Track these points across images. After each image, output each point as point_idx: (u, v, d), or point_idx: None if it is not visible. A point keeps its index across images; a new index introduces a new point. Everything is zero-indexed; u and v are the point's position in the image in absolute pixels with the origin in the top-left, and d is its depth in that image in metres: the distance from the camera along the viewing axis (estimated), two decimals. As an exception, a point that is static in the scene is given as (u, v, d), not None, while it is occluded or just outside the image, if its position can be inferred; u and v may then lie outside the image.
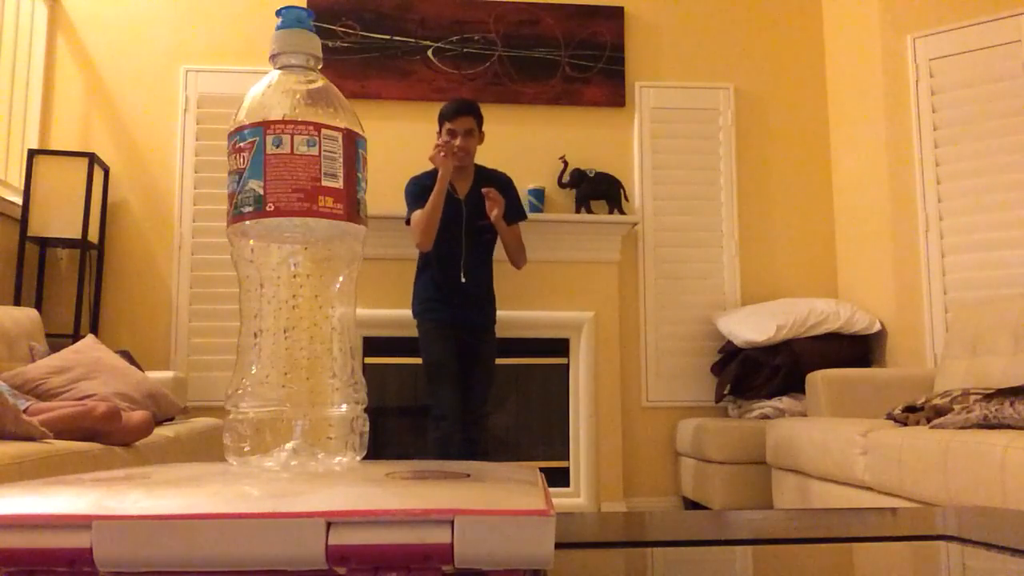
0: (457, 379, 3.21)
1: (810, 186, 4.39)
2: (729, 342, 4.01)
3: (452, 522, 0.39)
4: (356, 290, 0.64)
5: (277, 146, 0.58)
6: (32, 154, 3.72)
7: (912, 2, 3.84)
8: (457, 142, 3.24)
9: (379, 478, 0.48)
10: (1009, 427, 2.15)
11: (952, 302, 3.58)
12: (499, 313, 3.44)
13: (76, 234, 3.71)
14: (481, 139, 3.36)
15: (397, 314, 3.68)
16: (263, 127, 0.59)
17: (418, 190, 3.26)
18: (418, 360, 3.33)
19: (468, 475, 0.49)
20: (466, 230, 3.25)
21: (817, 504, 2.82)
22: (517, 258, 3.40)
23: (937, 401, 2.57)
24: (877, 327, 3.90)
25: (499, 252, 3.40)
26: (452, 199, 3.23)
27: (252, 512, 0.39)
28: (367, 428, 0.62)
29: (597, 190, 4.12)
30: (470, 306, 3.30)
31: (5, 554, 0.39)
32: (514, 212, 3.34)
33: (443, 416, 3.13)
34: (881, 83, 3.92)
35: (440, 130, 3.30)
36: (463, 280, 3.24)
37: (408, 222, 3.30)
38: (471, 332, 3.28)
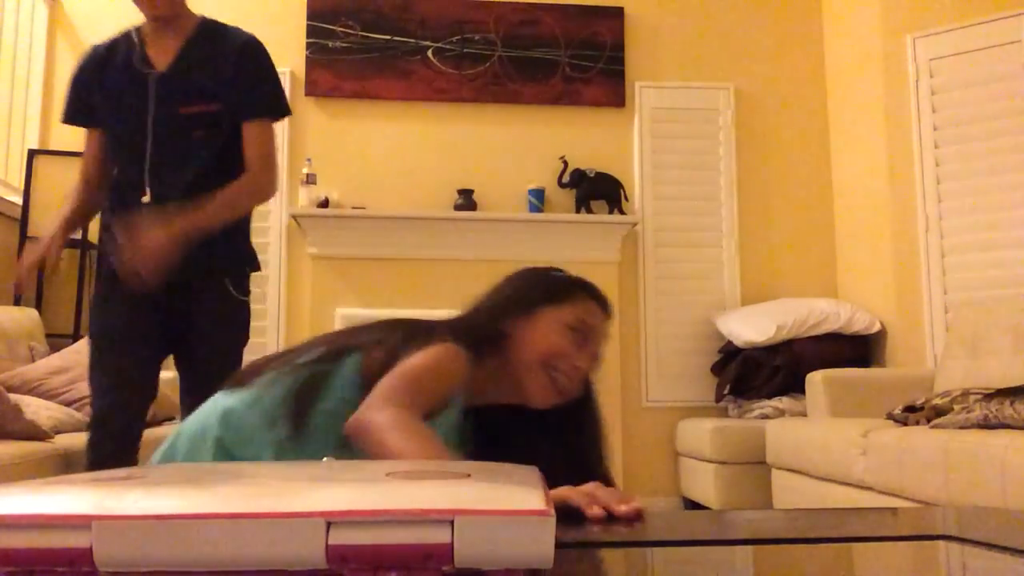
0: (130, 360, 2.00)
1: (810, 186, 4.39)
2: (729, 342, 4.01)
3: (452, 522, 0.39)
4: None
5: None
6: (32, 154, 3.72)
7: (912, 2, 3.84)
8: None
9: (379, 478, 0.48)
10: (1009, 427, 2.15)
11: (952, 302, 3.58)
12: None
13: (76, 234, 3.70)
14: None
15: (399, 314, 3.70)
16: None
17: (81, 78, 2.08)
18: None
19: (468, 475, 0.49)
20: (155, 120, 1.97)
21: (817, 504, 2.81)
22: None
23: (937, 401, 2.57)
24: (877, 327, 3.90)
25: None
26: (138, 75, 2.00)
27: (252, 512, 0.39)
28: None
29: (597, 190, 4.12)
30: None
31: (5, 554, 0.39)
32: (254, 102, 2.03)
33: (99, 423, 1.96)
34: (881, 83, 3.91)
35: None
36: (146, 200, 1.95)
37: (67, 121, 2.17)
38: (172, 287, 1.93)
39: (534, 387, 1.24)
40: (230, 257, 2.04)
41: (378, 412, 1.03)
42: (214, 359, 1.96)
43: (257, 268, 2.10)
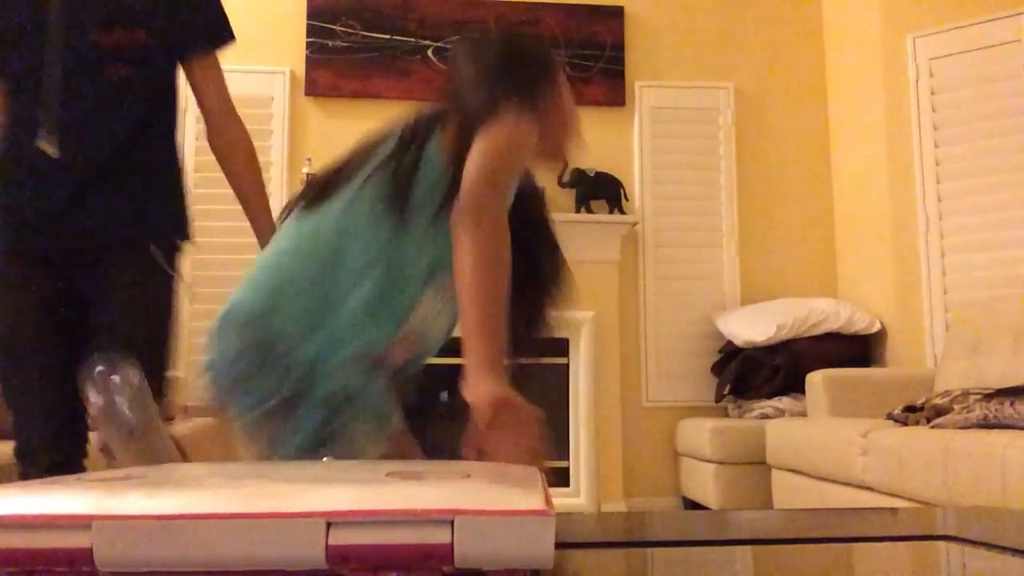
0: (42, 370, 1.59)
1: (810, 186, 4.38)
2: (729, 342, 4.01)
3: (452, 522, 0.39)
4: None
5: None
6: (32, 154, 3.71)
7: (912, 2, 3.84)
8: None
9: (379, 478, 0.48)
10: (1009, 427, 2.15)
11: (952, 302, 3.58)
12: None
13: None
14: None
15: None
16: None
17: None
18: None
19: (468, 475, 0.49)
20: (60, 53, 1.56)
21: (817, 504, 2.82)
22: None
23: (937, 401, 2.57)
24: (877, 327, 3.90)
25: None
26: None
27: (252, 512, 0.39)
28: None
29: (597, 190, 4.12)
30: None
31: (5, 554, 0.39)
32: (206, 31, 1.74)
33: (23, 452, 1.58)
34: (881, 83, 3.91)
35: None
36: (50, 151, 1.54)
37: None
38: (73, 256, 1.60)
39: (564, 156, 1.39)
40: (156, 221, 1.62)
41: (475, 222, 1.07)
42: (132, 320, 1.54)
43: (188, 238, 1.67)
